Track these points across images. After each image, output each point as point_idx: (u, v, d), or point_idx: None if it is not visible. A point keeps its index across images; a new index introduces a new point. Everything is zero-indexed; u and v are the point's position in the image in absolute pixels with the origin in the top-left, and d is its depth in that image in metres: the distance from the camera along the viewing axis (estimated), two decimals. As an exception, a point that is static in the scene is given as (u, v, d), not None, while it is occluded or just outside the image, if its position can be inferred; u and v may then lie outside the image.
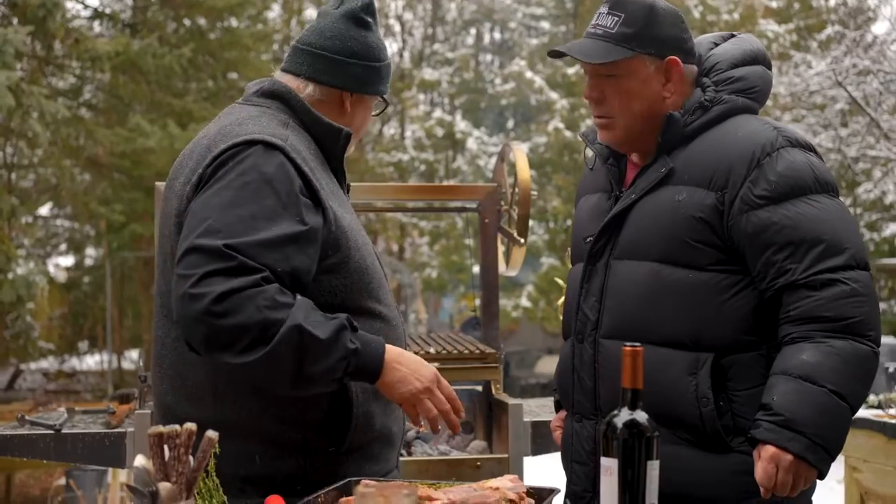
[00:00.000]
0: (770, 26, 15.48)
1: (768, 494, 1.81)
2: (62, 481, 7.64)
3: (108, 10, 12.87)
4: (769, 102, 12.78)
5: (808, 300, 1.82)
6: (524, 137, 16.41)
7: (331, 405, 1.83)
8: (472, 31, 19.71)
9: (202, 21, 13.00)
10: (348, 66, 1.95)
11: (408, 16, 20.96)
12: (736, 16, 14.95)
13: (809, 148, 1.93)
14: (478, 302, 3.56)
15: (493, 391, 3.20)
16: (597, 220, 2.04)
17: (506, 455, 2.96)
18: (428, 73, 17.87)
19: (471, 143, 15.94)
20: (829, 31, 12.50)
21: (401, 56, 20.40)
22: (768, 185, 1.86)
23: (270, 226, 1.71)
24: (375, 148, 18.22)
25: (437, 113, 17.46)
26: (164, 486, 1.35)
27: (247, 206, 1.72)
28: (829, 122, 12.06)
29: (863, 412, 3.83)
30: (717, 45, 2.06)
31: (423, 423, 1.82)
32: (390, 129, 20.55)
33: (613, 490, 1.46)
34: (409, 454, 3.07)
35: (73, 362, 16.66)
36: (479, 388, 3.42)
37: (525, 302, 15.35)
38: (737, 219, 1.87)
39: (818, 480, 1.87)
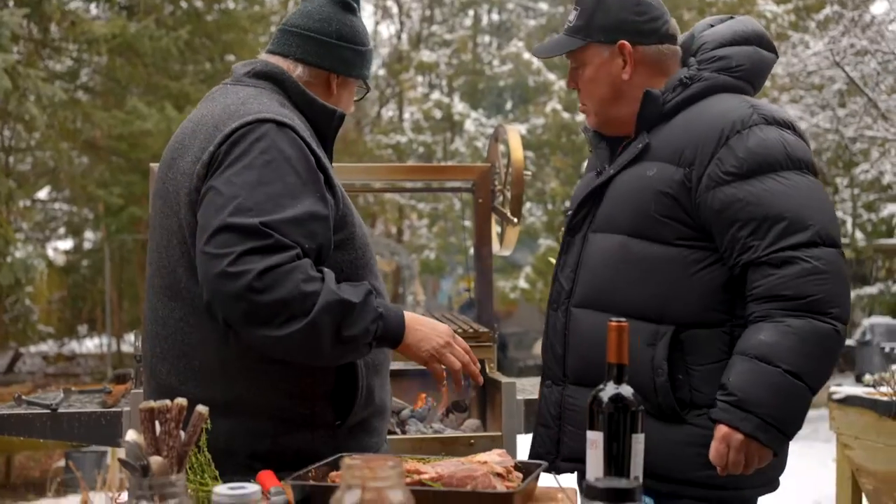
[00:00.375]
0: (769, 6, 15.43)
1: (724, 473, 1.84)
2: (61, 463, 7.70)
3: (104, -8, 12.83)
4: (767, 83, 12.77)
5: (770, 278, 1.83)
6: (522, 119, 16.40)
7: (337, 379, 1.86)
8: (470, 12, 19.63)
9: (199, 3, 12.98)
10: (336, 48, 1.98)
11: (405, -3, 20.90)
12: (734, -4, 14.89)
13: (787, 125, 1.93)
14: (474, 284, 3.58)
15: (488, 370, 3.22)
16: (583, 195, 2.10)
17: (499, 433, 2.98)
18: (426, 55, 17.81)
19: (469, 125, 15.92)
20: (827, 10, 12.46)
21: (399, 38, 20.34)
22: (736, 161, 1.87)
23: (296, 203, 1.74)
24: (374, 130, 18.20)
25: (436, 95, 17.41)
26: (156, 460, 1.36)
27: (274, 185, 1.74)
28: (827, 103, 12.05)
29: (855, 390, 3.86)
30: (712, 26, 2.10)
31: (445, 381, 1.89)
32: (388, 112, 20.51)
33: (599, 462, 1.48)
34: (404, 432, 3.09)
35: (73, 345, 16.72)
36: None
37: (523, 283, 15.39)
38: (703, 195, 1.89)
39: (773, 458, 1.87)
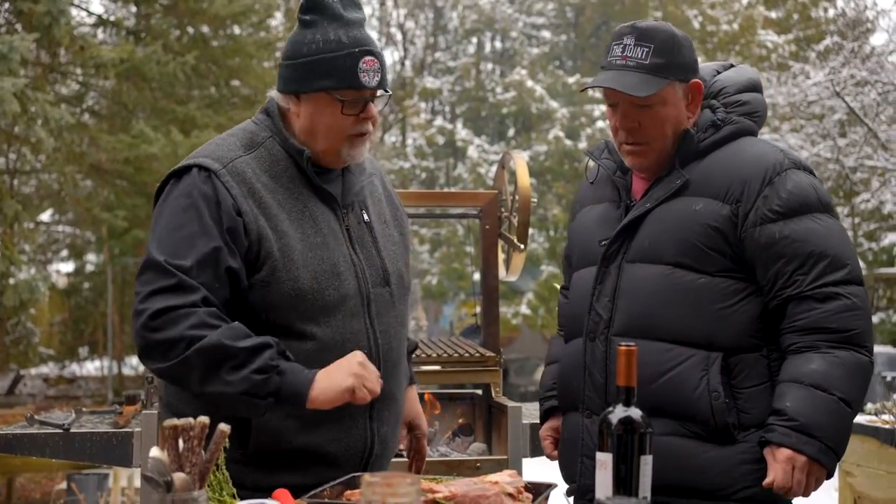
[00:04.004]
0: (770, 37, 15.59)
1: (787, 494, 1.92)
2: (63, 485, 7.69)
3: (112, 18, 12.97)
4: (769, 112, 12.87)
5: (814, 312, 1.95)
6: (525, 146, 16.50)
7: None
8: (474, 40, 19.81)
9: (205, 29, 13.10)
10: (282, 68, 1.97)
11: (409, 24, 21.09)
12: (735, 26, 15.04)
13: (810, 171, 2.08)
14: (478, 309, 3.62)
15: (493, 394, 3.26)
16: (606, 226, 2.13)
17: (505, 456, 3.01)
18: (429, 82, 17.95)
19: (472, 151, 16.03)
20: (827, 41, 12.59)
21: (402, 65, 20.51)
22: (780, 201, 1.99)
23: (207, 245, 1.83)
24: (377, 155, 18.30)
25: (439, 121, 17.53)
26: (179, 477, 1.40)
27: (186, 228, 1.85)
28: (828, 132, 12.15)
29: (857, 418, 3.88)
30: (718, 72, 2.19)
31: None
32: (392, 137, 20.64)
33: (608, 483, 1.52)
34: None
35: (74, 368, 16.72)
36: (479, 391, 3.48)
37: (525, 309, 15.42)
38: (750, 230, 1.99)
39: (826, 480, 1.98)
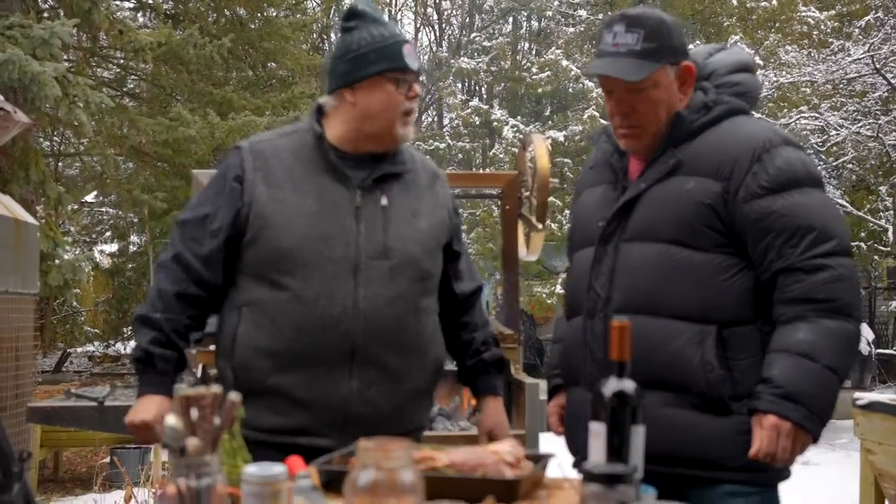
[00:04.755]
0: (810, 13, 15.32)
1: (771, 460, 1.97)
2: (107, 459, 7.92)
3: (150, 2, 13.14)
4: (807, 90, 12.58)
5: (803, 283, 2.00)
6: (560, 126, 16.46)
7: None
8: (510, 19, 19.74)
9: (242, 11, 13.22)
10: (333, 70, 2.26)
11: (445, 4, 21.07)
12: (774, 2, 14.81)
13: (800, 147, 2.13)
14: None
15: (513, 371, 3.33)
16: (604, 207, 2.19)
17: (522, 431, 3.09)
18: (465, 63, 17.94)
19: (507, 132, 16.03)
20: (869, 17, 12.38)
21: (439, 45, 20.51)
22: (768, 176, 2.04)
23: (200, 210, 2.25)
24: (413, 137, 18.37)
25: (475, 101, 17.53)
26: (192, 442, 1.50)
27: (201, 195, 2.30)
28: (869, 110, 11.98)
29: (878, 396, 3.91)
30: (711, 55, 2.25)
31: None
32: (428, 118, 20.69)
33: (601, 452, 1.59)
34: (431, 430, 3.22)
35: (118, 346, 17.07)
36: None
37: (560, 289, 15.42)
38: (740, 206, 2.04)
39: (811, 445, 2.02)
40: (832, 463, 8.25)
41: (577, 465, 2.22)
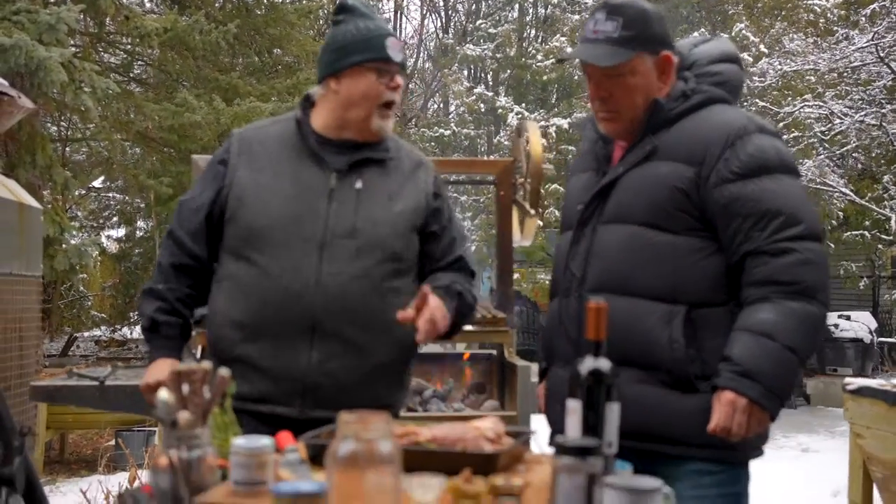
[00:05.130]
0: (817, 1, 15.27)
1: (726, 434, 2.03)
2: (111, 442, 8.02)
3: (157, -13, 13.20)
4: (811, 78, 12.53)
5: (768, 265, 2.06)
6: (566, 113, 16.45)
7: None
8: (516, 6, 19.72)
9: (247, -2, 13.25)
10: (322, 58, 2.39)
11: (452, -9, 21.03)
12: (780, -9, 14.76)
13: (776, 135, 2.18)
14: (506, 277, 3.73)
15: (506, 353, 3.40)
16: (586, 192, 2.28)
17: (514, 413, 3.16)
18: (470, 49, 17.94)
19: (512, 119, 16.04)
20: (874, 5, 12.34)
21: (445, 32, 20.50)
22: (739, 163, 2.10)
23: (191, 192, 2.45)
24: (418, 123, 18.39)
25: (479, 88, 17.54)
26: (183, 415, 1.57)
27: (200, 176, 2.48)
28: (874, 99, 11.97)
29: (867, 381, 3.97)
30: (696, 46, 2.32)
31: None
32: (434, 105, 20.70)
33: (577, 428, 1.65)
34: (426, 410, 3.28)
35: (125, 331, 17.17)
36: (495, 352, 3.62)
37: (564, 276, 15.42)
38: (711, 191, 2.11)
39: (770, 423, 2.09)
40: (832, 450, 8.30)
41: (551, 439, 2.29)
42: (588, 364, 1.67)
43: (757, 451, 2.18)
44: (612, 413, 1.66)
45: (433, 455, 1.65)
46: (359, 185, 2.33)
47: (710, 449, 2.10)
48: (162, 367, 2.32)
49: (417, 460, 1.57)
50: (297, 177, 2.34)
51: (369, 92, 2.32)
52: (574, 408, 1.66)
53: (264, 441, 1.55)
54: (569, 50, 15.63)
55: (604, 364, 1.66)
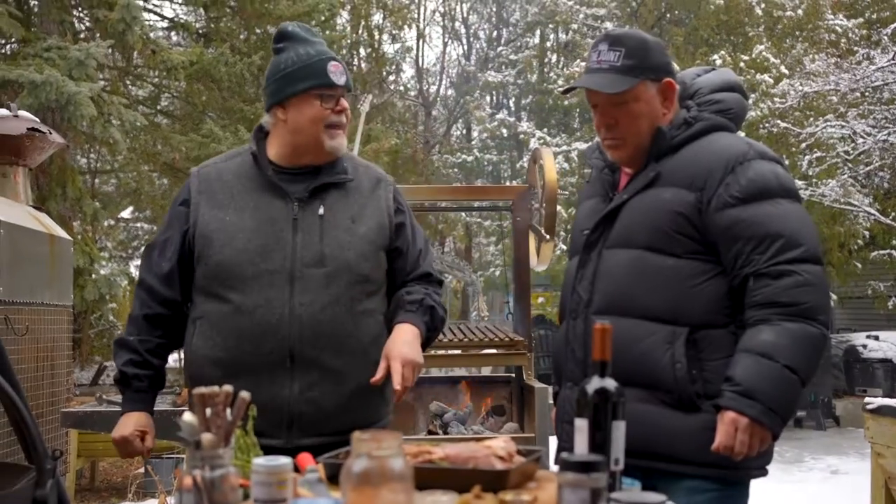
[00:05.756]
0: (838, 21, 15.27)
1: (730, 453, 2.08)
2: (141, 470, 8.11)
3: (182, 21, 13.43)
4: (833, 98, 12.49)
5: (769, 288, 2.12)
6: (587, 137, 16.52)
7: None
8: (537, 32, 19.87)
9: (272, 29, 13.46)
10: (267, 87, 2.43)
11: (473, 18, 21.24)
12: (800, 12, 14.79)
13: (776, 161, 2.25)
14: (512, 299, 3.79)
15: (525, 377, 3.45)
16: (593, 218, 2.36)
17: (533, 434, 3.20)
18: (491, 76, 18.09)
19: (534, 144, 16.14)
20: (895, 25, 12.32)
21: (467, 59, 20.66)
22: (740, 187, 2.17)
23: (159, 235, 2.47)
24: (441, 150, 18.51)
25: (501, 114, 17.67)
26: (206, 437, 1.64)
27: (164, 219, 2.52)
28: (897, 117, 11.92)
29: (887, 400, 3.97)
30: (699, 76, 2.40)
31: None
32: (457, 131, 20.83)
33: (584, 445, 1.70)
34: (446, 433, 3.34)
35: (153, 360, 17.29)
36: (514, 375, 3.68)
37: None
38: (713, 215, 2.18)
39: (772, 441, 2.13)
40: (862, 472, 8.22)
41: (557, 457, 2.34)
42: (595, 384, 1.73)
43: (759, 471, 2.22)
44: (619, 431, 1.71)
45: (445, 472, 1.71)
46: (321, 211, 2.37)
47: (709, 467, 2.14)
48: (128, 422, 2.39)
49: (430, 478, 1.63)
50: (259, 209, 2.37)
51: (315, 118, 2.37)
52: (581, 426, 1.72)
53: (284, 460, 1.62)
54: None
55: (610, 383, 1.72)
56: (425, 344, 2.37)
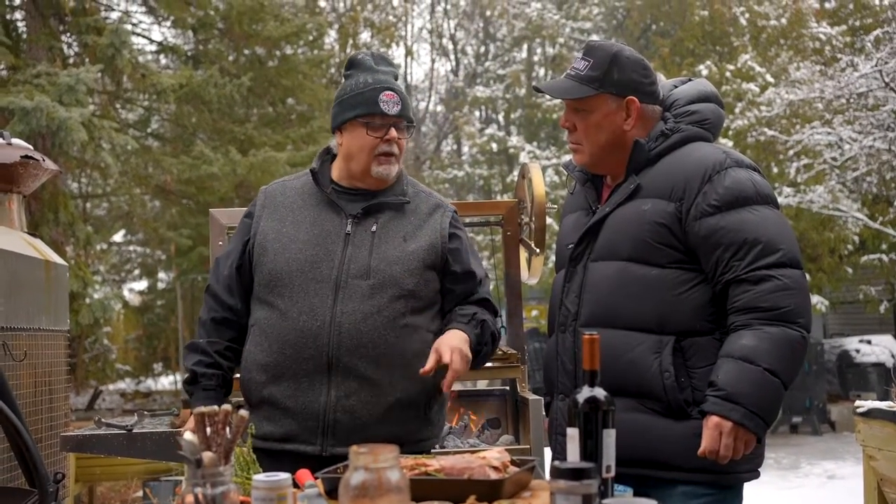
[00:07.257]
0: (822, 28, 15.41)
1: (715, 457, 2.12)
2: (140, 493, 8.09)
3: (171, 44, 13.50)
4: (819, 105, 12.58)
5: (749, 293, 2.16)
6: (577, 150, 16.59)
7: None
8: (524, 47, 19.99)
9: (260, 51, 13.55)
10: (332, 111, 2.53)
11: (460, 35, 21.37)
12: (784, 20, 14.93)
13: (753, 168, 2.30)
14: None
15: (519, 389, 3.49)
16: (577, 231, 2.40)
17: (528, 446, 3.24)
18: (480, 91, 18.18)
19: (523, 158, 16.20)
20: (878, 32, 12.45)
21: (455, 75, 20.77)
22: (717, 196, 2.22)
23: (228, 246, 2.60)
24: (432, 165, 18.59)
25: (491, 129, 17.75)
26: (207, 455, 1.68)
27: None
28: (882, 123, 12.03)
29: (878, 403, 4.02)
30: (676, 87, 2.45)
31: None
32: (447, 146, 20.92)
33: (576, 454, 1.75)
34: (442, 447, 3.37)
35: (149, 383, 17.30)
36: (508, 388, 3.71)
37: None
38: (692, 224, 2.23)
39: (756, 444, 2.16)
40: (858, 476, 8.27)
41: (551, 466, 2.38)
42: (585, 393, 1.77)
43: (750, 474, 2.26)
44: (609, 439, 1.76)
45: (441, 483, 1.75)
46: (374, 227, 2.44)
47: (700, 472, 2.18)
48: None
49: (426, 489, 1.67)
50: (316, 224, 2.47)
51: (364, 146, 2.45)
52: (573, 435, 1.76)
53: (282, 476, 1.66)
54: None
55: (600, 393, 1.77)
56: (475, 357, 2.37)
